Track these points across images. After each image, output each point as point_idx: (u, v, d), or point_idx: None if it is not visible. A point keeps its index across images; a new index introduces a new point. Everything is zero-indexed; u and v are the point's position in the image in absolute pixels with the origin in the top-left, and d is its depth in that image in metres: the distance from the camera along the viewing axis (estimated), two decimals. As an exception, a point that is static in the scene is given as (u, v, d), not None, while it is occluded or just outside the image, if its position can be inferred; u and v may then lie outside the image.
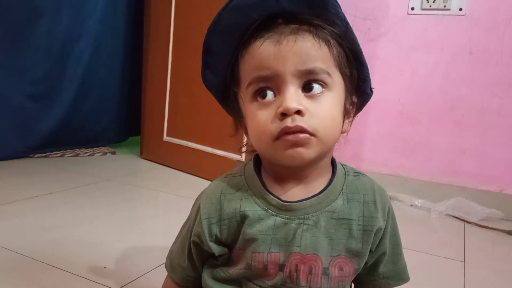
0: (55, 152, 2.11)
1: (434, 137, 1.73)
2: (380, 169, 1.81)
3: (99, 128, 2.33)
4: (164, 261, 0.63)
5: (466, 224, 1.50)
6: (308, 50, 0.46)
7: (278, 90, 0.47)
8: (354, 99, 0.53)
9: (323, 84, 0.47)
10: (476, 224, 1.49)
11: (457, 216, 1.55)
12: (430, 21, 1.69)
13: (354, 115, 0.54)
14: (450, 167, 1.71)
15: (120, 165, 2.08)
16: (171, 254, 0.61)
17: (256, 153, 0.56)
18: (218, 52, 0.52)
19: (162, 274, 0.64)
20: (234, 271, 0.54)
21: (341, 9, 0.49)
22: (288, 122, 0.45)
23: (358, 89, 0.53)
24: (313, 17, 0.47)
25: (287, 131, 0.45)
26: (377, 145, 1.82)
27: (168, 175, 1.94)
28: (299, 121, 0.45)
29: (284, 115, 0.46)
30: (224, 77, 0.53)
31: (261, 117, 0.47)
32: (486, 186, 1.65)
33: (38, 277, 0.91)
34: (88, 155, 2.19)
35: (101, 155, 2.23)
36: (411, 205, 1.66)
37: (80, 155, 2.17)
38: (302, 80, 0.47)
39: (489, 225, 1.48)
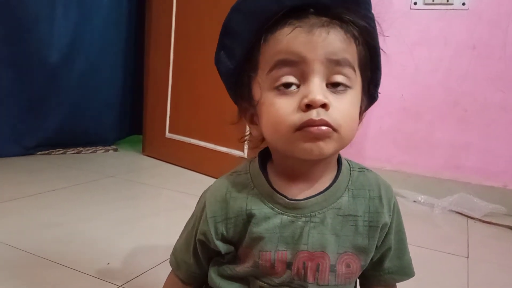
0: (57, 149, 2.11)
1: (437, 132, 1.72)
2: (383, 165, 1.80)
3: (103, 126, 2.31)
4: (167, 257, 0.62)
5: (470, 220, 1.50)
6: (339, 43, 0.46)
7: (303, 79, 0.46)
8: (365, 101, 0.53)
9: (347, 80, 0.47)
10: (480, 220, 1.49)
11: (460, 211, 1.55)
12: (432, 16, 1.68)
13: (362, 119, 0.54)
14: (453, 163, 1.70)
15: (122, 162, 2.08)
16: (176, 251, 0.61)
17: (260, 150, 0.55)
18: (238, 33, 0.50)
19: (165, 270, 0.64)
20: (241, 269, 0.53)
21: (371, 8, 0.49)
22: (313, 115, 0.44)
23: (368, 92, 0.53)
24: (345, 12, 0.46)
25: (311, 124, 0.44)
26: (379, 141, 1.82)
27: (170, 172, 1.94)
28: (323, 115, 0.44)
29: (308, 107, 0.44)
30: (240, 60, 0.51)
31: (281, 106, 0.46)
32: (490, 181, 1.64)
33: (41, 274, 0.91)
34: (90, 152, 2.19)
35: (103, 152, 2.23)
36: (414, 201, 1.66)
37: (82, 152, 2.17)
38: (329, 71, 0.46)
39: (493, 221, 1.47)
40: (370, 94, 0.53)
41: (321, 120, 0.44)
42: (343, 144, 0.48)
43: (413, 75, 1.73)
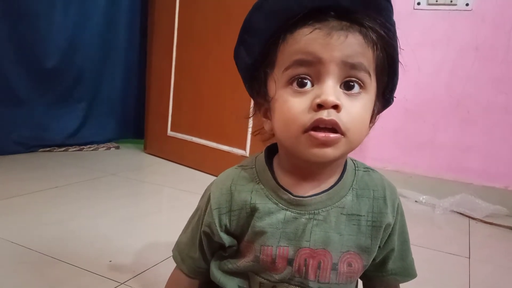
0: (59, 147, 2.10)
1: (440, 133, 1.72)
2: (385, 165, 1.81)
3: (108, 124, 2.31)
4: (170, 255, 0.62)
5: (471, 221, 1.50)
6: (357, 47, 0.46)
7: (317, 79, 0.46)
8: (379, 106, 0.53)
9: (362, 85, 0.47)
10: (481, 221, 1.49)
11: (462, 212, 1.55)
12: (436, 16, 1.68)
13: (374, 122, 0.54)
14: (455, 164, 1.70)
15: (124, 160, 2.08)
16: (180, 246, 0.61)
17: (268, 145, 0.55)
18: (258, 31, 0.50)
19: (167, 267, 0.64)
20: (242, 263, 0.54)
21: (393, 16, 0.49)
22: (324, 115, 0.44)
23: (383, 96, 0.53)
24: (366, 17, 0.47)
25: (319, 124, 0.44)
26: (382, 142, 1.82)
27: (172, 170, 1.94)
28: (334, 116, 0.44)
29: (320, 106, 0.44)
30: (258, 56, 0.51)
31: (293, 105, 0.46)
32: (491, 182, 1.64)
33: (44, 271, 0.92)
34: (92, 150, 2.19)
35: (105, 149, 2.23)
36: (416, 201, 1.66)
37: (84, 149, 2.17)
38: (344, 74, 0.46)
39: (494, 222, 1.47)
40: (385, 98, 0.54)
41: (331, 120, 0.44)
42: (351, 148, 0.48)
43: (415, 76, 1.73)
